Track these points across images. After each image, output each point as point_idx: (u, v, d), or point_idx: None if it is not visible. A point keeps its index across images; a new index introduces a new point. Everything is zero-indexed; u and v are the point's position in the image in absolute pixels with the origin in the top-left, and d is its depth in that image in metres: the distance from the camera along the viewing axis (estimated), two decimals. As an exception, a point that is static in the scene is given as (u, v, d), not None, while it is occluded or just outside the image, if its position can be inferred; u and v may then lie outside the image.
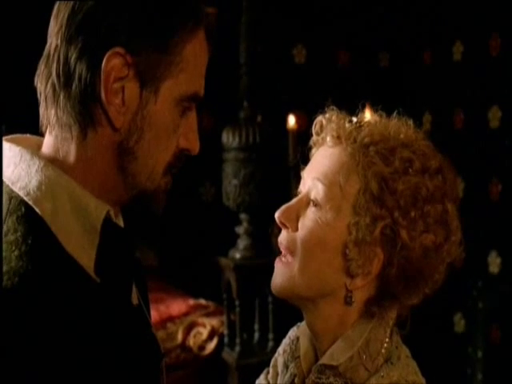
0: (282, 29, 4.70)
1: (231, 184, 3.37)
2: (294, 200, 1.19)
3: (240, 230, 3.44)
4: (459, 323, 4.56)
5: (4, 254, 0.91)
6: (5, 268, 0.90)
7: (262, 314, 3.42)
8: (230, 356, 3.42)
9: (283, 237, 1.19)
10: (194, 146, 1.05)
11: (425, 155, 1.16)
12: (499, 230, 4.22)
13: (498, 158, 4.24)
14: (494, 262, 4.27)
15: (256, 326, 3.45)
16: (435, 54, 4.79)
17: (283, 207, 1.19)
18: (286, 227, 1.18)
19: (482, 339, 4.06)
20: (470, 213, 4.34)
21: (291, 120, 3.24)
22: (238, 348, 3.36)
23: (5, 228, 0.94)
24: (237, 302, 3.37)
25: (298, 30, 4.80)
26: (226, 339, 3.50)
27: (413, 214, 1.12)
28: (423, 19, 4.79)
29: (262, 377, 1.34)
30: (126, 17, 0.95)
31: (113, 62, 0.95)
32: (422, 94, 4.86)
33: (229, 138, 3.38)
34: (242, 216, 3.43)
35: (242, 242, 3.42)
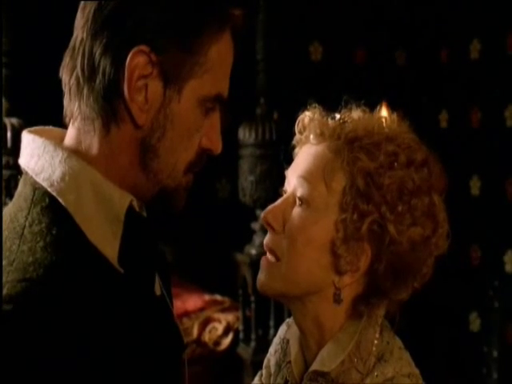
0: (299, 26, 4.70)
1: (247, 180, 3.38)
2: (280, 200, 1.18)
3: (256, 226, 3.44)
4: (475, 322, 4.54)
5: (29, 244, 0.93)
6: (30, 259, 0.91)
7: (277, 310, 3.41)
8: (245, 352, 3.43)
9: (268, 239, 1.17)
10: (217, 146, 1.05)
11: (410, 148, 1.15)
12: (516, 229, 4.20)
13: (515, 157, 4.22)
14: (510, 261, 4.25)
15: (271, 322, 3.45)
16: (452, 53, 4.77)
17: (269, 207, 1.17)
18: (271, 228, 1.16)
19: (497, 338, 4.05)
20: (487, 212, 4.35)
21: (308, 117, 3.24)
22: (253, 344, 3.38)
23: (29, 219, 0.95)
24: (252, 298, 3.39)
25: (315, 27, 4.79)
26: (241, 335, 3.52)
27: (400, 208, 1.11)
28: (440, 17, 4.77)
29: (256, 379, 1.32)
30: (152, 15, 0.95)
31: (137, 60, 0.95)
32: (439, 93, 4.84)
33: (245, 135, 3.39)
34: (258, 212, 3.43)
35: (257, 238, 3.42)
